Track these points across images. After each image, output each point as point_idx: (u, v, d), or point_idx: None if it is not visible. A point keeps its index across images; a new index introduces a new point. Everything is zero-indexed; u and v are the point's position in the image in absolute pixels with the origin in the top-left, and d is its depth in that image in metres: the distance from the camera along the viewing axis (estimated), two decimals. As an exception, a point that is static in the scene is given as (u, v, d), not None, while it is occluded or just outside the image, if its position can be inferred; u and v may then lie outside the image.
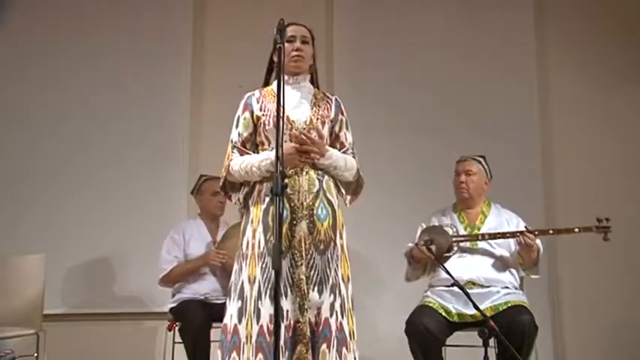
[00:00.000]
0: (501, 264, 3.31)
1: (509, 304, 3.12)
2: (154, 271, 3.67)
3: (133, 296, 4.24)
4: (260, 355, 2.32)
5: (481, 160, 3.48)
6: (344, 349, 2.42)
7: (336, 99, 2.71)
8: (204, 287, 3.56)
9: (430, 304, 3.19)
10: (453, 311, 3.15)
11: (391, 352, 4.05)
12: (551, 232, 3.32)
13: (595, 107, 4.53)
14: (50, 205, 4.26)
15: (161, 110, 4.45)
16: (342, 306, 2.46)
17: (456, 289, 3.08)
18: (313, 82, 2.72)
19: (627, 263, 4.30)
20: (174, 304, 3.58)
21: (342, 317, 2.45)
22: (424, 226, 3.42)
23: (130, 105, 4.43)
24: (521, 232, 3.22)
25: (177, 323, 3.45)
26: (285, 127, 2.45)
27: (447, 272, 3.00)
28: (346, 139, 2.68)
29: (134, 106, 4.43)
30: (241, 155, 2.58)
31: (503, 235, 3.27)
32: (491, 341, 2.96)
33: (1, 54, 4.40)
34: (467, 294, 2.91)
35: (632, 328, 4.19)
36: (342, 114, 2.69)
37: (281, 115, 2.27)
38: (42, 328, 3.58)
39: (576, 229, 3.29)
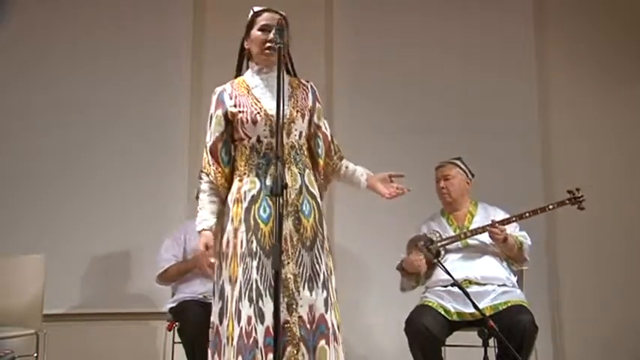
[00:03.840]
0: (496, 260, 3.33)
1: (509, 304, 3.12)
2: (154, 271, 3.68)
3: (133, 296, 4.24)
4: (240, 358, 2.28)
5: (457, 162, 3.52)
6: (334, 343, 2.37)
7: (311, 86, 2.62)
8: (203, 287, 3.57)
9: (429, 304, 3.19)
10: (453, 310, 3.16)
11: (390, 352, 4.06)
12: (527, 214, 3.32)
13: (595, 107, 4.53)
14: (50, 205, 4.26)
15: (161, 110, 4.44)
16: (330, 300, 2.41)
17: (453, 288, 3.09)
18: (287, 69, 2.60)
19: (627, 263, 4.30)
20: (173, 304, 3.59)
21: (330, 311, 2.40)
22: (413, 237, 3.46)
23: (130, 105, 4.42)
24: (490, 226, 3.25)
25: (176, 323, 3.45)
26: (265, 122, 2.41)
27: (447, 272, 3.01)
28: (327, 128, 2.63)
29: (134, 106, 4.43)
30: (212, 157, 2.48)
31: (483, 229, 3.29)
32: (491, 341, 2.97)
33: (1, 54, 4.40)
34: (466, 294, 2.92)
35: (632, 328, 4.19)
36: (319, 102, 2.61)
37: (281, 115, 2.21)
38: (42, 328, 3.58)
39: (550, 206, 3.36)
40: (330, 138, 2.63)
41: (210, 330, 2.48)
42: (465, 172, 3.50)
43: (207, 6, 4.65)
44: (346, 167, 2.65)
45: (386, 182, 2.60)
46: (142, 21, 4.53)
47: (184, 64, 4.52)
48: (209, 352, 2.46)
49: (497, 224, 3.23)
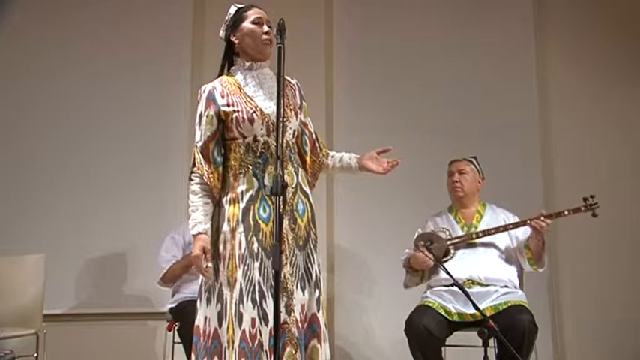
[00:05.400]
0: (502, 261, 3.33)
1: (509, 304, 3.12)
2: (154, 271, 3.69)
3: (133, 296, 4.24)
4: None
5: (473, 160, 3.53)
6: (324, 342, 2.37)
7: (297, 83, 2.60)
8: (204, 287, 3.58)
9: (430, 304, 3.19)
10: (453, 311, 3.16)
11: (390, 352, 4.06)
12: (541, 218, 3.32)
13: (595, 107, 4.52)
14: (50, 205, 4.26)
15: (161, 110, 4.44)
16: (320, 299, 2.41)
17: (455, 288, 3.09)
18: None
19: (628, 263, 4.29)
20: (173, 304, 3.60)
21: (321, 310, 2.40)
22: (420, 231, 3.45)
23: (130, 105, 4.43)
24: (531, 219, 3.24)
25: (176, 323, 3.46)
26: (262, 121, 2.39)
27: (448, 273, 3.01)
28: (311, 125, 2.61)
29: (134, 106, 4.43)
30: (204, 158, 2.41)
31: (497, 230, 3.29)
32: (491, 341, 2.97)
33: (2, 54, 4.40)
34: (467, 294, 2.92)
35: (632, 328, 4.19)
36: (304, 99, 2.59)
37: (281, 114, 2.22)
38: (42, 328, 3.58)
39: (566, 212, 3.34)
40: (314, 135, 2.62)
41: (196, 331, 2.39)
42: (478, 171, 3.52)
43: (207, 6, 4.65)
44: (332, 157, 2.63)
45: (375, 160, 2.59)
46: (142, 21, 4.53)
47: (184, 65, 4.52)
48: (192, 356, 2.39)
49: (542, 216, 3.22)
